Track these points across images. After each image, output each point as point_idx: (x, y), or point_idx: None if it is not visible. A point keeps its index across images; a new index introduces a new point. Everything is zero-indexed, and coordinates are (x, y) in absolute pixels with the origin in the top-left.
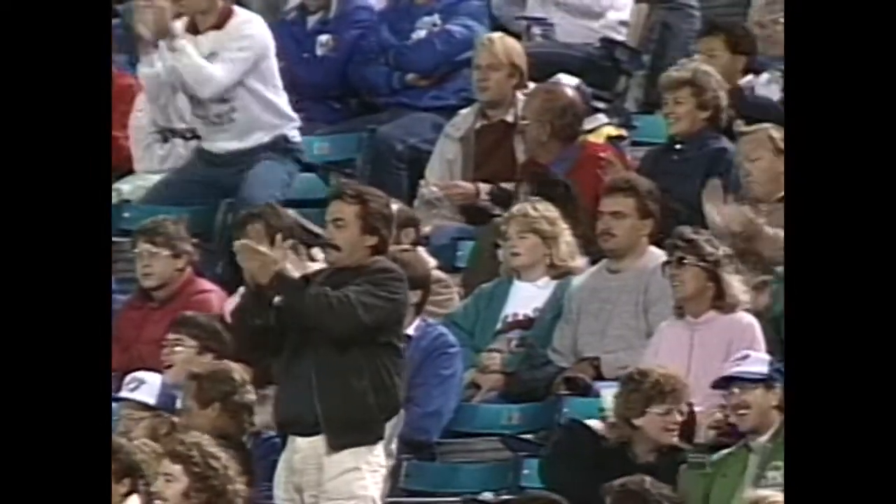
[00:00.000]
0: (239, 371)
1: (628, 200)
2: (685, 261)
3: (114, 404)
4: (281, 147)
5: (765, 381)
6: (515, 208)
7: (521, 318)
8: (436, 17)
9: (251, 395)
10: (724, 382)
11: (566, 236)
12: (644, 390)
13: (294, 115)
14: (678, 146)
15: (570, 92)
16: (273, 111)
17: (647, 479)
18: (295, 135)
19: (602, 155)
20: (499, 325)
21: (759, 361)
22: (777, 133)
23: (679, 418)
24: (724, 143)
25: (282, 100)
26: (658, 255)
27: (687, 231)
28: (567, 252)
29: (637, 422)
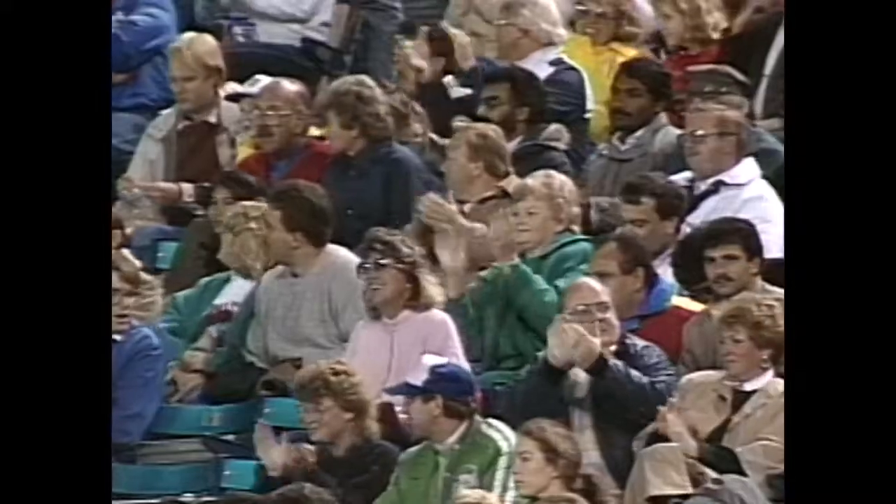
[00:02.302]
0: None
1: (275, 213)
2: (383, 263)
3: None
4: None
5: (422, 393)
6: (233, 209)
7: (224, 309)
8: (119, 15)
9: None
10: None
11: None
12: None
13: None
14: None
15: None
16: None
17: (307, 485)
18: None
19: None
20: (208, 310)
21: (420, 370)
22: (486, 132)
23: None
24: (397, 152)
25: None
26: (343, 258)
27: (382, 233)
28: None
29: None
